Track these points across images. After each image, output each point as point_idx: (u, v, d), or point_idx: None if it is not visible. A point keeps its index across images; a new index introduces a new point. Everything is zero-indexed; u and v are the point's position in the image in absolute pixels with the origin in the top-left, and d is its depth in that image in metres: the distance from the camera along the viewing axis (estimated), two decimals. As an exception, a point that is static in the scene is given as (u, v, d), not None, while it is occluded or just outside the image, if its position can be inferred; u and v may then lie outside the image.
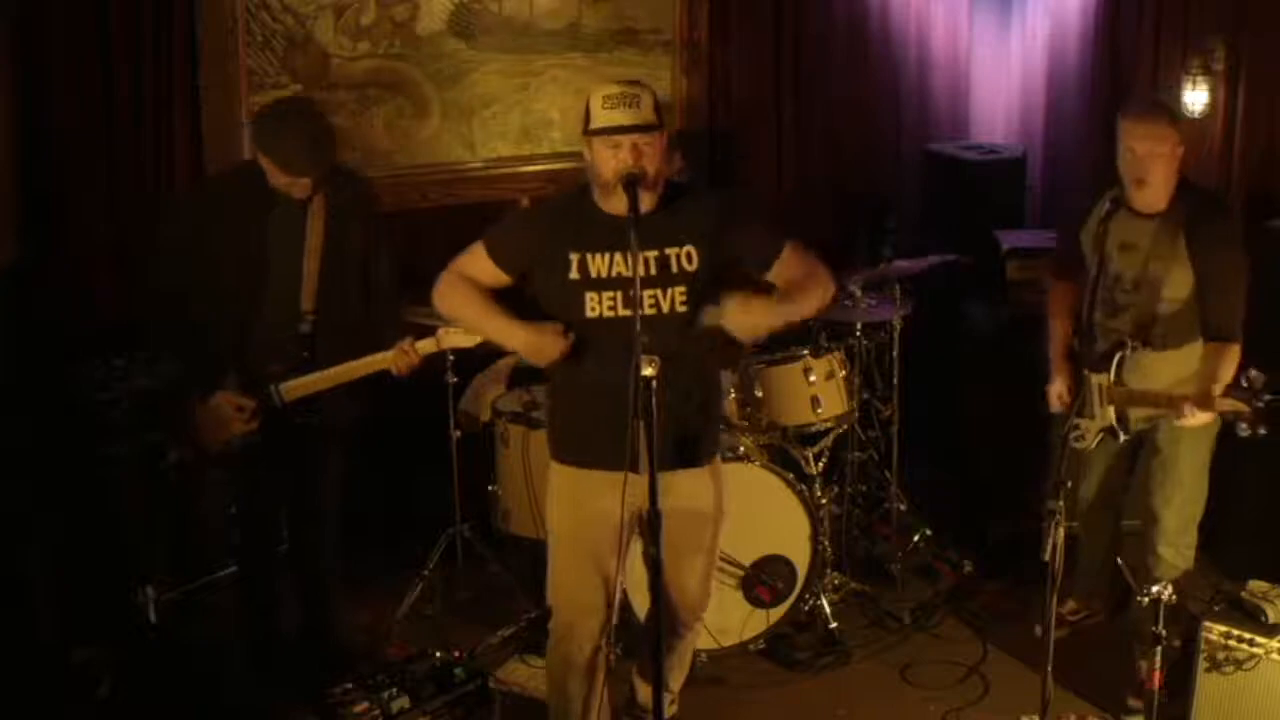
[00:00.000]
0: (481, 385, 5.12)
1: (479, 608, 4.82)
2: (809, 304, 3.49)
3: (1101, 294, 4.11)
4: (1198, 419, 3.85)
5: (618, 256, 3.41)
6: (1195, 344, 4.08)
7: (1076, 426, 4.12)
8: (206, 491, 4.41)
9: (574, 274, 3.43)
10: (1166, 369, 4.08)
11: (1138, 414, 4.12)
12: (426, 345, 4.15)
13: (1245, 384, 3.72)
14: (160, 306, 4.09)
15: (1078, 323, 4.21)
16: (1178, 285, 4.02)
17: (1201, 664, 3.86)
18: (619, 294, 3.41)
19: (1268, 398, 3.65)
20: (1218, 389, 3.82)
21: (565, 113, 5.68)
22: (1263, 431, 3.69)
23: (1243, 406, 3.69)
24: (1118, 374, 4.05)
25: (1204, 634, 3.86)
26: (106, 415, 4.45)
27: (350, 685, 3.83)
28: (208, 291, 4.02)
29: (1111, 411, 4.08)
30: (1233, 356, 3.95)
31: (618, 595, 3.69)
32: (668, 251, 3.43)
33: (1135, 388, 4.06)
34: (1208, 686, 3.86)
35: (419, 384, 5.04)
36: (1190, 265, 4.00)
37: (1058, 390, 4.25)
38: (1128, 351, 4.05)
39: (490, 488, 4.83)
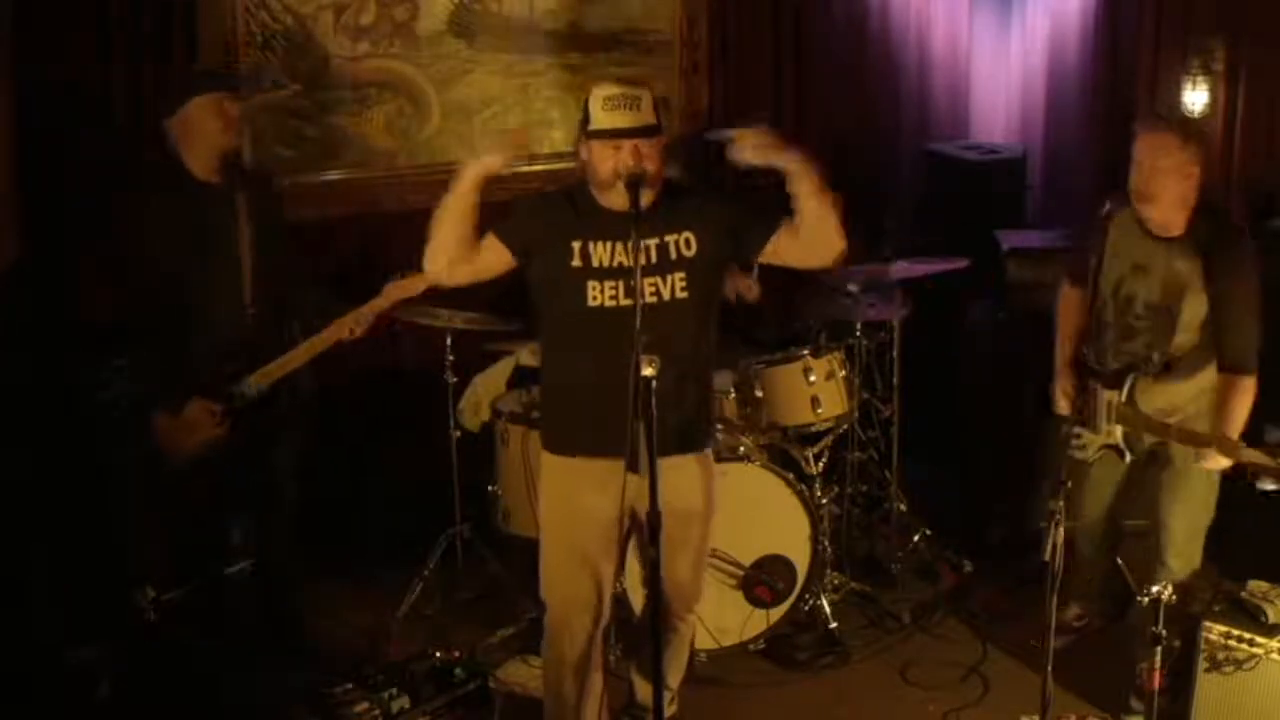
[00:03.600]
0: (480, 386, 5.13)
1: (479, 608, 4.82)
2: (829, 207, 3.43)
3: (1114, 313, 4.08)
4: (1218, 463, 3.84)
5: (619, 246, 3.43)
6: (1208, 370, 4.02)
7: (1078, 436, 4.11)
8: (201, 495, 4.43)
9: (576, 261, 3.45)
10: (1178, 393, 4.05)
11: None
12: (376, 303, 4.31)
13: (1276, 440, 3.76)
14: (127, 313, 4.20)
15: (1087, 330, 4.18)
16: (1194, 313, 3.96)
17: (1201, 664, 3.86)
18: (620, 283, 3.43)
19: None
20: (1235, 431, 3.81)
21: (565, 113, 5.67)
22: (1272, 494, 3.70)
23: (1271, 463, 3.65)
24: (1129, 394, 4.03)
25: (1204, 634, 3.86)
26: (106, 415, 4.46)
27: (350, 685, 3.84)
28: (156, 298, 4.12)
29: (1119, 431, 4.05)
30: (1247, 390, 3.90)
31: (612, 591, 3.70)
32: (666, 239, 3.46)
33: (1146, 410, 4.02)
34: (1208, 686, 3.86)
35: (419, 384, 5.07)
36: (1206, 293, 3.93)
37: (1062, 388, 4.24)
38: (1143, 375, 4.03)
39: (490, 488, 4.83)
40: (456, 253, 3.49)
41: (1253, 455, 3.71)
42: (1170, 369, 4.04)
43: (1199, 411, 4.03)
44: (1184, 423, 3.99)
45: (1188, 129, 4.07)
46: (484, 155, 3.49)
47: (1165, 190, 3.88)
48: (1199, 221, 3.94)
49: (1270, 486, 3.70)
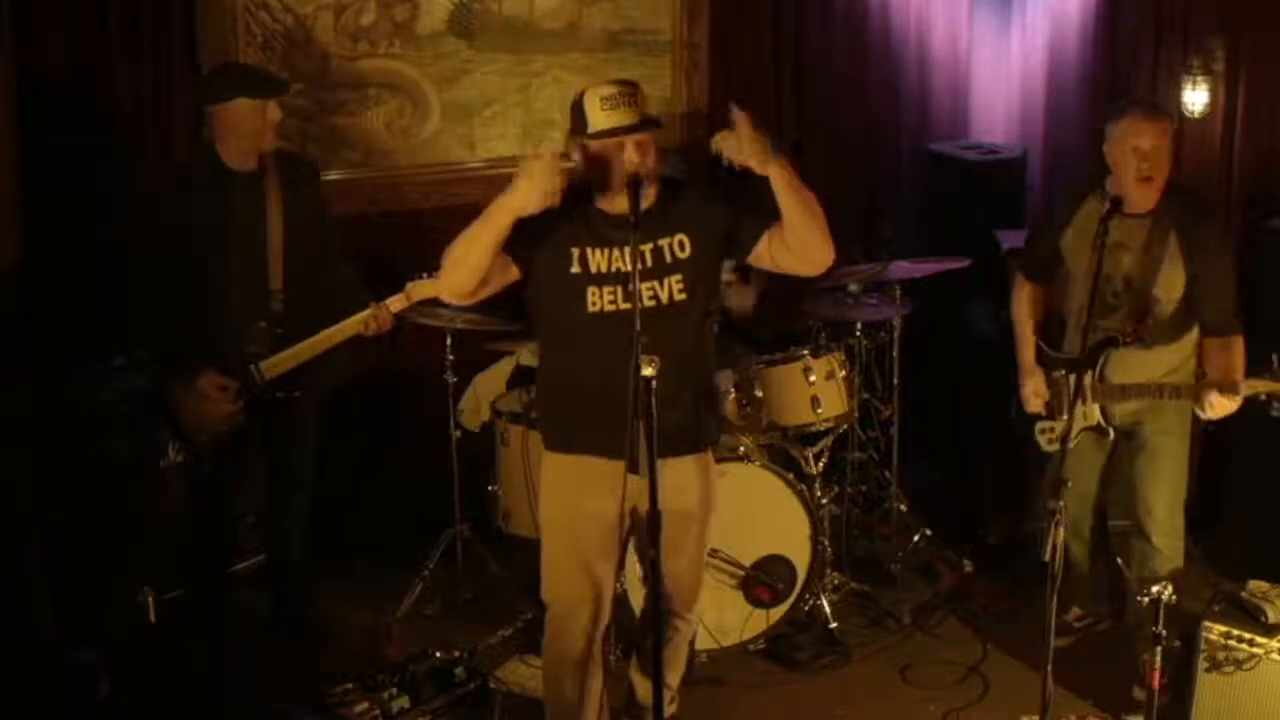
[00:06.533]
0: (480, 386, 5.13)
1: (479, 608, 4.82)
2: (815, 206, 3.40)
3: (1091, 294, 4.11)
4: (1225, 407, 3.91)
5: (616, 252, 3.43)
6: (1182, 340, 4.13)
7: (1046, 430, 4.21)
8: (209, 490, 4.44)
9: (575, 268, 3.45)
10: (1151, 364, 4.12)
11: (1123, 409, 4.17)
12: (397, 302, 4.34)
13: (1277, 365, 3.80)
14: (139, 292, 4.21)
15: (1047, 323, 4.29)
16: (1170, 285, 4.05)
17: (1201, 664, 3.87)
18: (619, 288, 3.43)
19: None
20: (1239, 376, 3.91)
21: (565, 113, 5.65)
22: None
23: (1274, 384, 3.75)
24: (1101, 371, 4.09)
25: (1204, 634, 3.87)
26: (106, 415, 4.46)
27: (350, 685, 3.84)
28: (178, 275, 4.14)
29: (1096, 409, 4.13)
30: (1239, 346, 4.02)
31: (612, 591, 3.70)
32: (661, 242, 3.46)
33: (1123, 383, 4.10)
34: (1208, 686, 3.86)
35: (419, 384, 5.08)
36: (1183, 265, 4.02)
37: (1034, 389, 4.30)
38: (1118, 349, 4.08)
39: (490, 488, 4.83)
40: (481, 280, 3.43)
41: (1256, 385, 3.82)
42: (1145, 339, 4.11)
43: (1176, 380, 4.12)
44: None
45: (1168, 108, 4.18)
46: (525, 181, 3.29)
47: (1162, 168, 4.00)
48: (1169, 197, 4.04)
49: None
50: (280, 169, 4.31)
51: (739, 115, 3.32)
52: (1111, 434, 4.19)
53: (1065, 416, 4.00)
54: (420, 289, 4.29)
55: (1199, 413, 4.00)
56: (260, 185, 4.25)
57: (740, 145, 3.31)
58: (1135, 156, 3.98)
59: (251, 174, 4.24)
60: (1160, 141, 3.98)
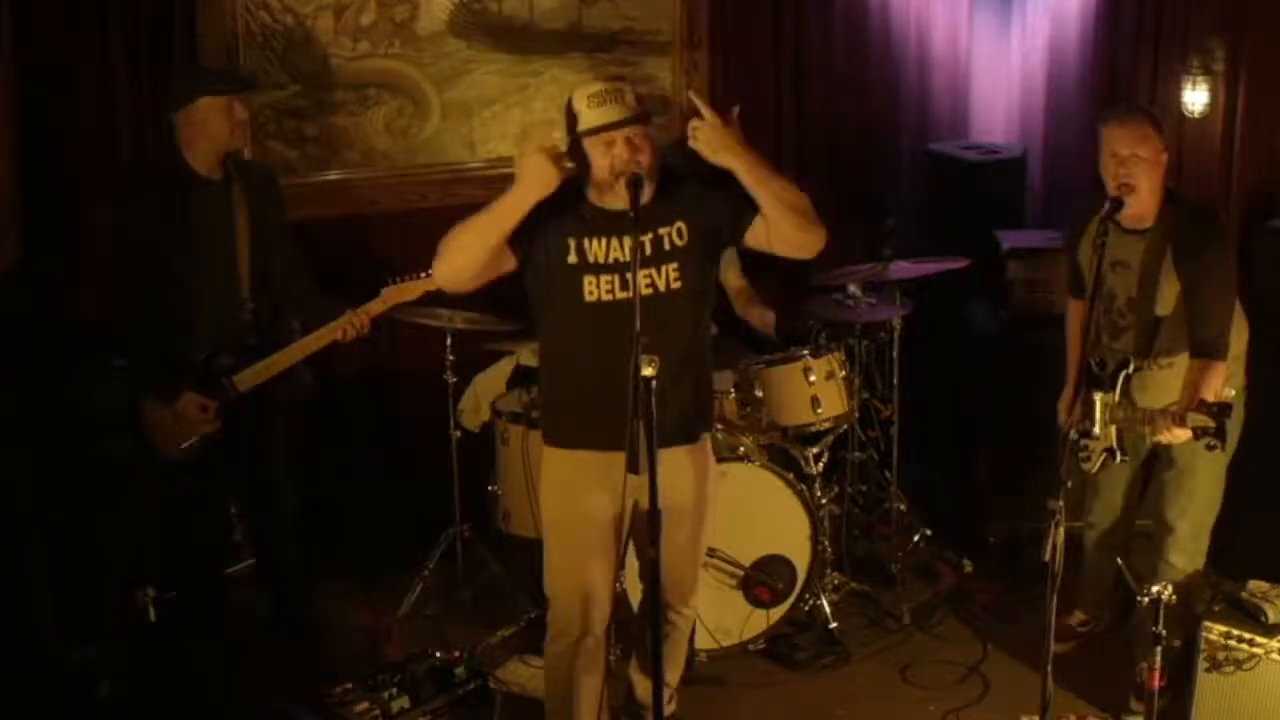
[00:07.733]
0: (480, 386, 5.13)
1: (479, 608, 4.82)
2: (788, 195, 3.44)
3: (1101, 314, 4.08)
4: (1175, 436, 3.83)
5: (614, 242, 3.45)
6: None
7: (1084, 448, 4.10)
8: (188, 498, 4.43)
9: (572, 258, 3.46)
10: (1172, 385, 4.04)
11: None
12: (373, 306, 4.34)
13: (1212, 400, 3.73)
14: (123, 308, 4.22)
15: (1088, 341, 4.20)
16: (1171, 300, 3.99)
17: (1201, 664, 3.87)
18: (616, 277, 3.45)
19: (1227, 419, 3.66)
20: (1192, 405, 3.80)
21: (563, 115, 5.67)
22: (1218, 448, 3.71)
23: (1210, 422, 3.68)
24: (1125, 393, 4.01)
25: (1204, 634, 3.86)
26: (106, 415, 4.46)
27: (350, 685, 3.84)
28: (152, 288, 4.15)
29: (1113, 431, 4.03)
30: (1217, 374, 3.92)
31: (613, 588, 3.70)
32: (660, 231, 3.48)
33: (1142, 406, 4.00)
34: (1208, 686, 3.86)
35: (419, 384, 5.08)
36: (1177, 280, 3.96)
37: (1064, 399, 4.24)
38: (1131, 370, 4.02)
39: (490, 488, 4.83)
40: (486, 267, 3.44)
41: (1196, 418, 3.72)
42: (1158, 359, 4.05)
43: None
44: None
45: (1153, 114, 4.11)
46: (530, 169, 3.33)
47: (1142, 177, 3.91)
48: (1169, 209, 3.98)
49: (1213, 446, 3.71)
50: (242, 175, 4.32)
51: (700, 106, 3.37)
52: (1119, 458, 4.06)
53: (1090, 438, 3.97)
54: (396, 292, 4.32)
55: (1151, 437, 3.93)
56: (228, 192, 4.25)
57: (707, 142, 3.34)
58: (1114, 163, 3.93)
59: (219, 181, 4.25)
60: (1138, 149, 3.90)
